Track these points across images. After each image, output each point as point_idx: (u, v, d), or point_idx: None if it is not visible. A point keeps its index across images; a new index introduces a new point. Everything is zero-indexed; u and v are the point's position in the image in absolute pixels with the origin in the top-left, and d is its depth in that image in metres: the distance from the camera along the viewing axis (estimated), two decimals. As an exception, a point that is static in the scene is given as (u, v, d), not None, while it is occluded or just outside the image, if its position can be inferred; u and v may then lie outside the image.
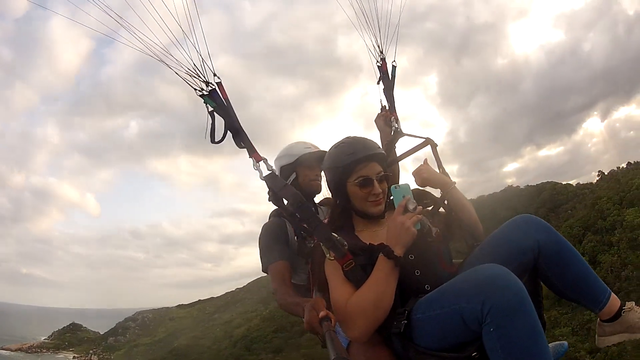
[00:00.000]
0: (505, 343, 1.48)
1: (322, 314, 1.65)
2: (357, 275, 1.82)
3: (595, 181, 64.77)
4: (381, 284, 1.76)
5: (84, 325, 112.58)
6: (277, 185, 2.05)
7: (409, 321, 1.73)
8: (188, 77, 2.03)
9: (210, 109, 2.06)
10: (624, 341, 1.91)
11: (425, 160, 2.36)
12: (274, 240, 2.55)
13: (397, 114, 2.83)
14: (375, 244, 1.87)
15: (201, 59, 2.03)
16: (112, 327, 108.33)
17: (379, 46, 2.86)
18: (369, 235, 1.99)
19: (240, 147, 2.08)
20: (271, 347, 59.58)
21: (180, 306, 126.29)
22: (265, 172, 2.06)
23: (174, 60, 2.02)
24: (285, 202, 2.08)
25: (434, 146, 2.50)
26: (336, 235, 1.86)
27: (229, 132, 2.07)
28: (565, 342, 2.14)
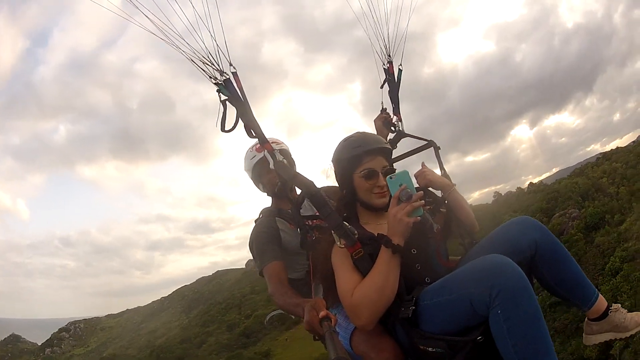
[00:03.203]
0: (512, 325, 1.55)
1: (322, 314, 1.67)
2: (366, 264, 1.85)
3: (491, 202, 64.35)
4: (383, 271, 1.80)
5: (22, 337, 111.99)
6: (288, 174, 2.07)
7: (416, 307, 1.77)
8: (202, 65, 2.00)
9: (224, 97, 2.04)
10: (610, 340, 1.96)
11: (423, 164, 2.38)
12: (266, 240, 2.53)
13: (401, 115, 2.89)
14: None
15: (216, 47, 1.98)
16: (48, 337, 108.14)
17: (386, 49, 2.87)
18: (373, 227, 2.04)
19: (252, 136, 2.09)
20: (173, 357, 63.77)
21: (109, 316, 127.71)
22: (275, 162, 2.10)
23: (188, 46, 1.97)
24: (298, 190, 2.15)
25: (436, 148, 2.60)
26: (347, 224, 1.89)
27: (240, 121, 2.07)
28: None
